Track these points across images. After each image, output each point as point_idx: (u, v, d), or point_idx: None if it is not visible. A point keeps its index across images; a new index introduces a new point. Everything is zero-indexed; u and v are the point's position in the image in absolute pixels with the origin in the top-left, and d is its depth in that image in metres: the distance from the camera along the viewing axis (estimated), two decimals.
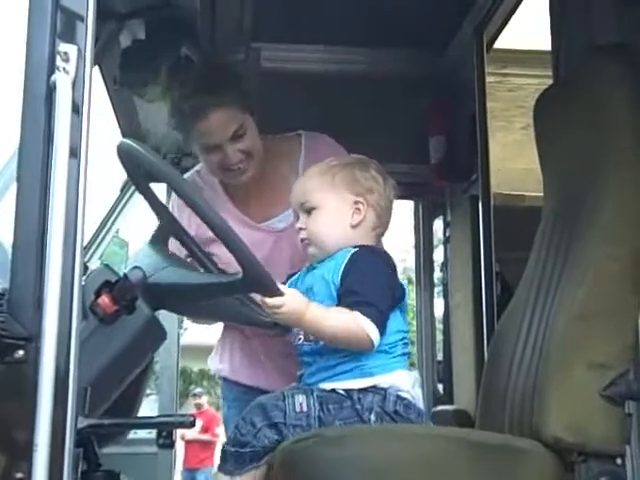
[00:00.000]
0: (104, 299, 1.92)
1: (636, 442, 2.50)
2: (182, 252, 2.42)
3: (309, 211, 2.32)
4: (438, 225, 4.51)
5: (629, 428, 2.14)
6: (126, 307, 1.94)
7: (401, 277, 2.35)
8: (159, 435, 2.61)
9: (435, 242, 4.59)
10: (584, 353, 2.11)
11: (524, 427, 2.18)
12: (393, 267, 2.27)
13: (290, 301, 2.09)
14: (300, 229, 2.33)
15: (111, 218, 4.15)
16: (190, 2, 2.70)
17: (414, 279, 4.61)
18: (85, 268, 1.96)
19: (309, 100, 3.83)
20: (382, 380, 2.18)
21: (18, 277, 1.59)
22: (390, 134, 3.90)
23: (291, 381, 2.33)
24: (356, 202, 2.30)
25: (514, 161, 4.71)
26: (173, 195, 2.59)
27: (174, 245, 2.40)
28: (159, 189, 2.25)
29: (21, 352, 1.55)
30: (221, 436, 10.79)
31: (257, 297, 2.15)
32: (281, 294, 2.07)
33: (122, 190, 4.13)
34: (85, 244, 3.68)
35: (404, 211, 4.55)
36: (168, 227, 2.31)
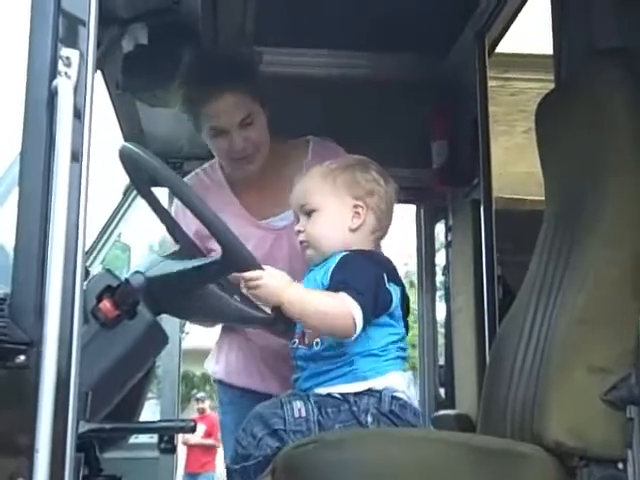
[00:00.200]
0: (106, 304, 1.93)
1: (638, 446, 2.49)
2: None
3: (309, 213, 2.32)
4: (440, 229, 4.51)
5: (631, 432, 2.14)
6: (127, 312, 1.95)
7: (403, 281, 2.34)
8: (160, 440, 2.61)
9: (437, 246, 4.59)
10: (585, 357, 2.11)
11: (525, 431, 2.18)
12: (388, 271, 2.25)
13: (269, 276, 2.12)
14: (299, 231, 2.34)
15: (113, 222, 4.15)
16: (192, 7, 2.70)
17: (416, 283, 4.61)
18: (87, 273, 1.96)
19: (311, 104, 3.84)
20: (376, 383, 2.17)
21: (19, 282, 1.59)
22: (392, 138, 3.90)
23: (287, 384, 2.33)
24: (356, 206, 2.30)
25: (516, 165, 4.72)
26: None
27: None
28: (161, 193, 2.25)
29: (22, 357, 1.55)
30: None
31: (238, 276, 2.17)
32: (260, 268, 2.11)
33: (124, 194, 4.14)
34: (87, 248, 3.69)
35: (406, 215, 4.56)
36: (169, 231, 2.32)
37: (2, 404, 1.58)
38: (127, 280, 1.99)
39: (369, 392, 2.16)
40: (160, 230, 2.49)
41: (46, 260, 1.56)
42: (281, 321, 2.24)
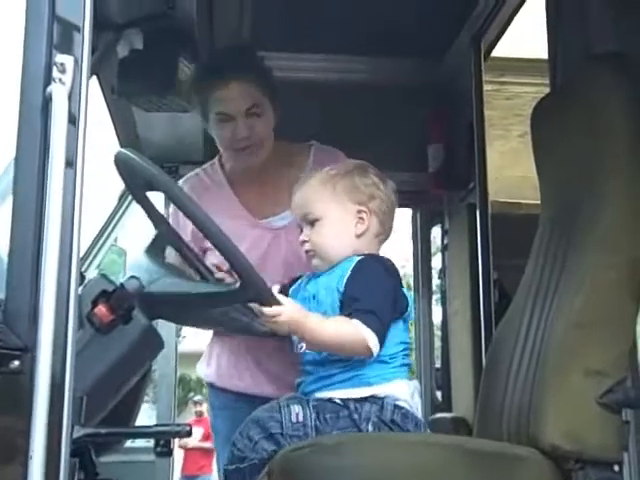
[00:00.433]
0: (101, 308, 1.92)
1: (634, 449, 2.50)
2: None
3: (312, 222, 2.31)
4: (436, 233, 4.51)
5: (626, 435, 2.15)
6: (123, 316, 1.95)
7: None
8: (157, 443, 2.62)
9: (433, 250, 4.60)
10: (581, 360, 2.11)
11: (521, 434, 2.18)
12: (397, 277, 2.27)
13: (288, 311, 2.09)
14: (304, 241, 2.33)
15: (109, 227, 4.15)
16: (188, 12, 2.70)
17: (412, 286, 4.62)
18: (82, 277, 1.96)
19: (309, 109, 3.83)
20: (380, 390, 2.18)
21: (14, 287, 1.59)
22: (389, 142, 3.90)
23: (280, 386, 2.34)
24: (359, 211, 2.30)
25: (511, 169, 4.71)
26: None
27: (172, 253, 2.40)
28: (156, 198, 2.25)
29: (17, 362, 1.55)
30: None
31: (255, 307, 2.16)
32: (279, 304, 2.07)
33: (120, 199, 4.14)
34: (83, 253, 3.69)
35: (402, 219, 4.55)
36: (165, 236, 2.32)
37: None
38: (122, 285, 1.99)
39: (372, 399, 2.16)
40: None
41: (41, 265, 1.56)
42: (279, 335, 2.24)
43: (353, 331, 2.12)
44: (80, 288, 1.75)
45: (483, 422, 2.47)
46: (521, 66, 4.61)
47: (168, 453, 3.84)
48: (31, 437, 1.48)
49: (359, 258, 2.25)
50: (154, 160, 2.23)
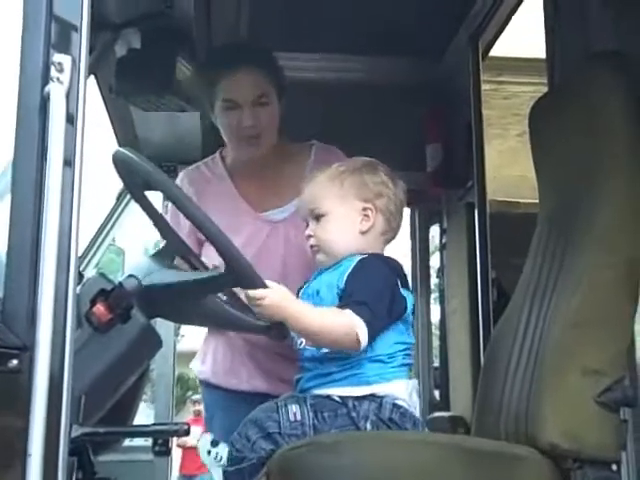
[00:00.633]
0: (99, 307, 1.92)
1: (631, 448, 2.50)
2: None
3: (317, 218, 2.32)
4: (434, 232, 4.51)
5: (624, 434, 2.15)
6: (121, 315, 1.95)
7: None
8: (155, 442, 2.62)
9: (431, 249, 4.60)
10: (579, 359, 2.11)
11: (520, 433, 2.18)
12: (401, 277, 2.27)
13: (273, 293, 2.10)
14: (309, 236, 2.34)
15: (107, 226, 4.15)
16: (185, 11, 2.70)
17: (411, 285, 4.62)
18: (81, 277, 1.96)
19: (307, 108, 3.82)
20: (379, 389, 2.18)
21: (12, 287, 1.59)
22: (387, 141, 3.89)
23: (275, 382, 2.34)
24: (365, 209, 2.31)
25: (509, 168, 4.72)
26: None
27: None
28: (154, 197, 2.26)
29: (15, 361, 1.55)
30: None
31: (242, 291, 2.17)
32: (264, 286, 2.08)
33: (118, 198, 4.14)
34: (81, 253, 3.69)
35: None
36: (163, 235, 2.32)
37: None
38: (121, 284, 1.99)
39: (370, 397, 2.16)
40: (155, 233, 2.49)
41: (39, 265, 1.55)
42: (277, 328, 2.24)
43: (341, 319, 2.12)
44: (78, 287, 1.76)
45: (481, 421, 2.47)
46: (519, 65, 4.62)
47: (166, 452, 3.84)
48: (29, 436, 1.48)
49: (361, 257, 2.25)
50: (152, 159, 2.24)
